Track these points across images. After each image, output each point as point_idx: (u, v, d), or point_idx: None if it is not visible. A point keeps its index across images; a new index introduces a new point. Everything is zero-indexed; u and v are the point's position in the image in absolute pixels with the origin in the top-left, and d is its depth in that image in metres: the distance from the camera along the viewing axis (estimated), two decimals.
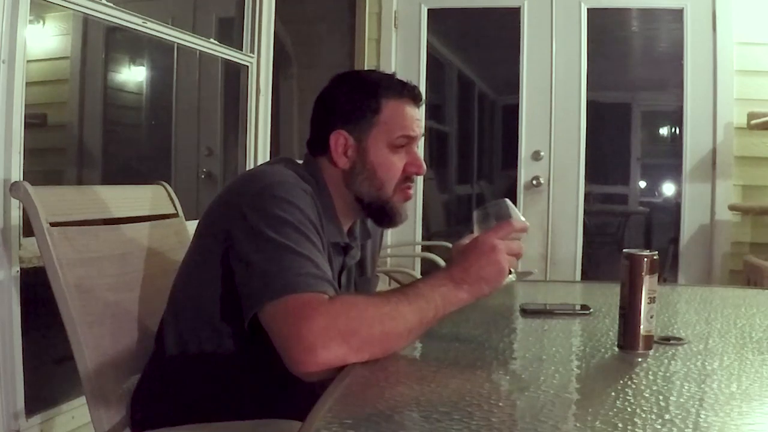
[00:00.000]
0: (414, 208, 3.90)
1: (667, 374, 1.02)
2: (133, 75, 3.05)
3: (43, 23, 2.35)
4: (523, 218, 1.19)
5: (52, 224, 1.35)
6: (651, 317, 1.12)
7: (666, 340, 1.19)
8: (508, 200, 1.22)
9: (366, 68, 3.84)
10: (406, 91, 1.36)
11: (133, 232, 1.54)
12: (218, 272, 1.21)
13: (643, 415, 0.82)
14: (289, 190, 1.21)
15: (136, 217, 1.61)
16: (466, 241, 1.17)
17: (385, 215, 1.37)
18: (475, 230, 1.20)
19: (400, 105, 1.34)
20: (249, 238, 1.15)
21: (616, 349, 1.15)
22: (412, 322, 1.08)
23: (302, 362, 1.03)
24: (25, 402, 1.85)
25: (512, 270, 1.15)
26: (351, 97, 1.34)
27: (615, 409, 0.84)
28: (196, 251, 1.31)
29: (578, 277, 3.73)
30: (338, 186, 1.36)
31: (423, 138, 1.36)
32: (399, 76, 1.39)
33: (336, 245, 1.36)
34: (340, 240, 1.37)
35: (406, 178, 1.36)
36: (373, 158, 1.33)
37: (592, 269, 3.91)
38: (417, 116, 1.37)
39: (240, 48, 3.26)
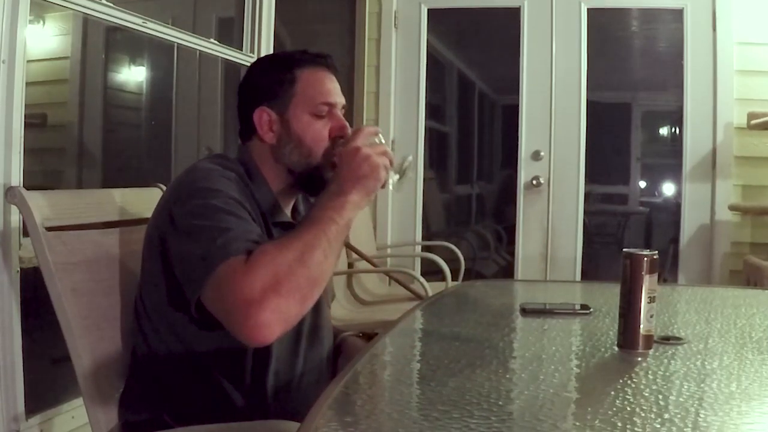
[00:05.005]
0: (414, 208, 3.91)
1: (667, 374, 1.02)
2: (133, 75, 3.04)
3: (43, 23, 2.35)
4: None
5: (48, 228, 1.35)
6: (651, 317, 1.12)
7: (666, 340, 1.20)
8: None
9: (366, 68, 3.85)
10: (320, 60, 1.39)
11: (129, 236, 1.53)
12: (162, 279, 1.24)
13: (643, 415, 0.83)
14: (208, 179, 1.24)
15: (133, 220, 1.61)
16: None
17: (315, 183, 1.36)
18: None
19: (314, 73, 1.37)
20: (180, 236, 1.18)
21: (616, 348, 1.15)
22: (322, 244, 1.12)
23: (246, 327, 1.05)
24: (25, 402, 1.85)
25: (391, 167, 1.25)
26: (267, 75, 1.37)
27: (614, 408, 0.84)
28: (143, 261, 1.33)
29: (578, 277, 3.73)
30: (270, 164, 1.37)
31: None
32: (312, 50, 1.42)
33: (282, 224, 1.37)
34: (285, 218, 1.38)
35: (334, 145, 1.36)
36: (297, 127, 1.34)
37: (592, 269, 3.91)
38: (335, 84, 1.39)
39: (240, 48, 3.26)
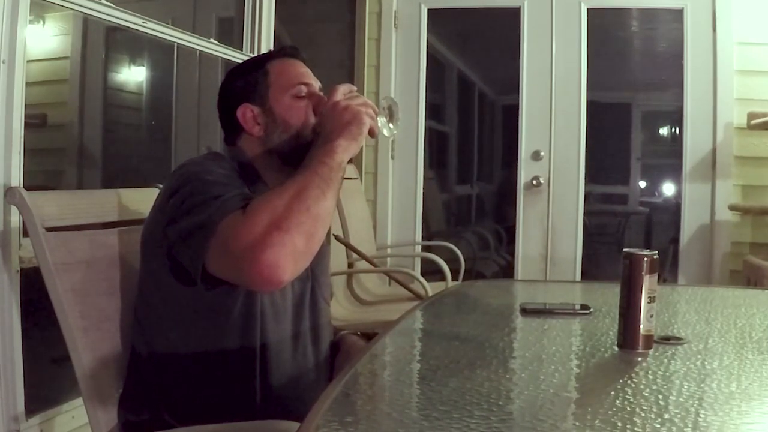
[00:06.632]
0: (414, 208, 3.91)
1: (667, 374, 1.02)
2: (133, 75, 3.05)
3: (43, 23, 2.35)
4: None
5: (48, 229, 1.35)
6: (651, 317, 1.12)
7: (666, 340, 1.19)
8: None
9: (366, 68, 3.85)
10: (286, 50, 1.44)
11: (129, 236, 1.53)
12: (166, 269, 1.24)
13: (643, 414, 0.83)
14: (201, 166, 1.27)
15: (132, 220, 1.61)
16: None
17: None
18: None
19: (284, 62, 1.42)
20: (179, 220, 1.18)
21: (616, 348, 1.15)
22: (316, 181, 1.14)
23: (256, 268, 1.05)
24: (25, 402, 1.85)
25: (377, 115, 1.28)
26: (242, 77, 1.42)
27: (614, 408, 0.84)
28: (143, 260, 1.33)
29: (578, 277, 3.73)
30: (262, 156, 1.38)
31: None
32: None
33: None
34: None
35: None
36: (281, 111, 1.37)
37: (592, 269, 3.91)
38: (307, 69, 1.43)
39: (240, 48, 3.26)
